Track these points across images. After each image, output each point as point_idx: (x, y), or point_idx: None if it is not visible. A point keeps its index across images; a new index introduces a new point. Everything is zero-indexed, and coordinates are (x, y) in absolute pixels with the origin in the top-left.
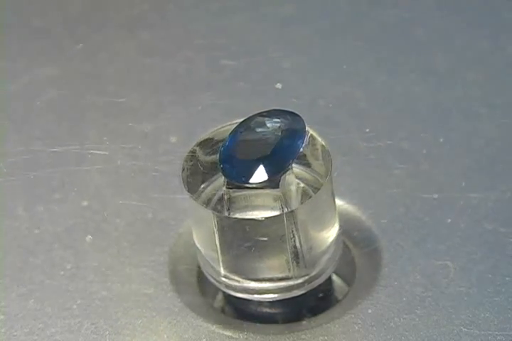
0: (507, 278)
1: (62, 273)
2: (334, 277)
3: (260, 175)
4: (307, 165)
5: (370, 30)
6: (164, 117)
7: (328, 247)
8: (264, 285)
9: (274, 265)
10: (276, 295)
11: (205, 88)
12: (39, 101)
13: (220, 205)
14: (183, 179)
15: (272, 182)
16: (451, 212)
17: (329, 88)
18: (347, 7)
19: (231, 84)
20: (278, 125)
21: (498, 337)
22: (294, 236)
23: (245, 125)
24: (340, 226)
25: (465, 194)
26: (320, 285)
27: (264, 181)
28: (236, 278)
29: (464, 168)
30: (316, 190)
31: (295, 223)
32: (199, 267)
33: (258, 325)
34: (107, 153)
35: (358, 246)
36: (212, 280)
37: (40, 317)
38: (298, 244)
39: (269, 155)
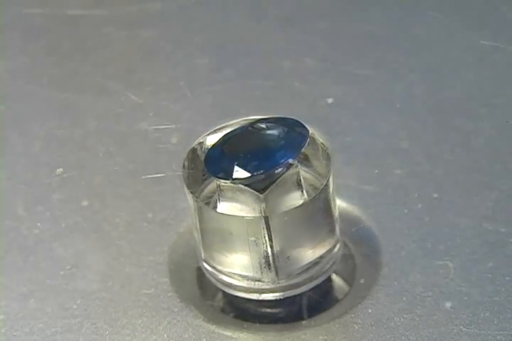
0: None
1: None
2: (334, 277)
3: (228, 173)
4: (308, 165)
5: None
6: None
7: (312, 265)
8: (236, 280)
9: (246, 263)
10: (244, 294)
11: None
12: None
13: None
14: (184, 178)
15: (259, 184)
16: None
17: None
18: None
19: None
20: (280, 134)
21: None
22: (265, 242)
23: (253, 125)
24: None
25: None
26: (320, 285)
27: (237, 179)
28: (213, 265)
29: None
30: (317, 190)
31: (268, 229)
32: (199, 267)
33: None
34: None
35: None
36: (200, 263)
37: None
38: (269, 250)
39: (248, 159)
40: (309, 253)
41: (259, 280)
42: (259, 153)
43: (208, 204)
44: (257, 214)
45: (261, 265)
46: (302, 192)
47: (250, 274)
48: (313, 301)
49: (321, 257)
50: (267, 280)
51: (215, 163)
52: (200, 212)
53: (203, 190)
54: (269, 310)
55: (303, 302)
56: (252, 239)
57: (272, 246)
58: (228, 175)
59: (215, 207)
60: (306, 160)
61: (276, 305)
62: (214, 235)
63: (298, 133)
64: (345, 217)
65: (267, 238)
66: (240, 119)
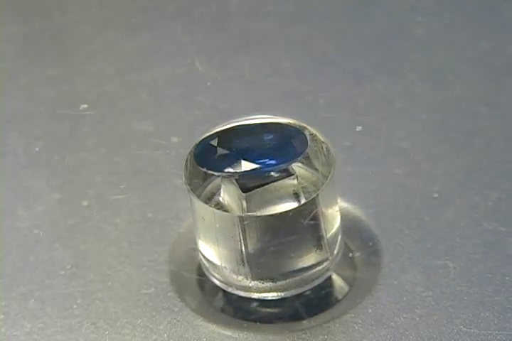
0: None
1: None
2: (334, 277)
3: (207, 163)
4: (309, 164)
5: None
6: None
7: (288, 275)
8: (215, 268)
9: (228, 257)
10: (221, 285)
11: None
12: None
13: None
14: (185, 177)
15: (250, 183)
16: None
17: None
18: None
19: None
20: (277, 143)
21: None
22: (240, 241)
23: (258, 125)
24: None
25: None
26: (320, 285)
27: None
28: (199, 248)
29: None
30: (317, 189)
31: (243, 229)
32: (199, 266)
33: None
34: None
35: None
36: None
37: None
38: (244, 250)
39: (232, 157)
40: (287, 264)
41: (239, 275)
42: (245, 155)
43: (208, 201)
44: (238, 212)
45: (237, 262)
46: (299, 204)
47: (233, 267)
48: (313, 301)
49: (301, 270)
50: (241, 277)
51: (203, 149)
52: (193, 203)
53: (204, 188)
54: (269, 310)
55: (303, 302)
56: (228, 234)
57: (246, 247)
58: (207, 165)
59: (217, 199)
60: (307, 160)
61: (277, 304)
62: (196, 219)
63: (293, 148)
64: (345, 217)
65: (241, 237)
66: (240, 119)
